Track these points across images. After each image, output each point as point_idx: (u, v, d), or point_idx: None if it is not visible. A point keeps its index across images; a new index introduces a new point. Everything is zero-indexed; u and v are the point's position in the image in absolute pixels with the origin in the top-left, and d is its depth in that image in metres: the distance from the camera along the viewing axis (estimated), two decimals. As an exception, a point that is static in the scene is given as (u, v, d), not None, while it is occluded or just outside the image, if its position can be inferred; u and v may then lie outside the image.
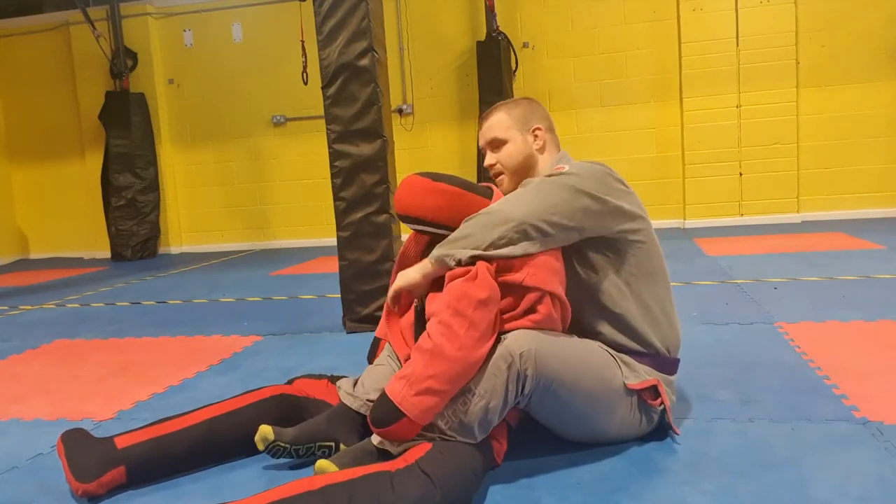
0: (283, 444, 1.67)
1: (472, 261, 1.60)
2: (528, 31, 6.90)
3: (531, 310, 1.60)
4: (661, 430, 1.84)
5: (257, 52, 7.36)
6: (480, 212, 1.67)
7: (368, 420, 1.57)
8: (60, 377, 2.83)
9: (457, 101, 7.09)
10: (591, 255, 1.73)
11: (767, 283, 3.76)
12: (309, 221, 7.47)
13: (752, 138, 6.48)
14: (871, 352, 2.44)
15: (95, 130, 7.47)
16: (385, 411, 1.52)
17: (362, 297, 3.22)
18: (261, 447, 1.67)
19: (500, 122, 1.93)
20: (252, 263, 6.33)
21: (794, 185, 6.49)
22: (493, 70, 6.62)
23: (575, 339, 1.70)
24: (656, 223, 4.24)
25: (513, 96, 6.73)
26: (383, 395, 1.53)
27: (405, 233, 2.11)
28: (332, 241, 3.42)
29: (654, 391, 1.75)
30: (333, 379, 1.92)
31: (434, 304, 1.62)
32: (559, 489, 1.58)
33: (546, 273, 1.61)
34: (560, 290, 1.64)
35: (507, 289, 1.59)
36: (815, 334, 2.70)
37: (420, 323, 1.74)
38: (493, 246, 1.60)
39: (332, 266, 3.64)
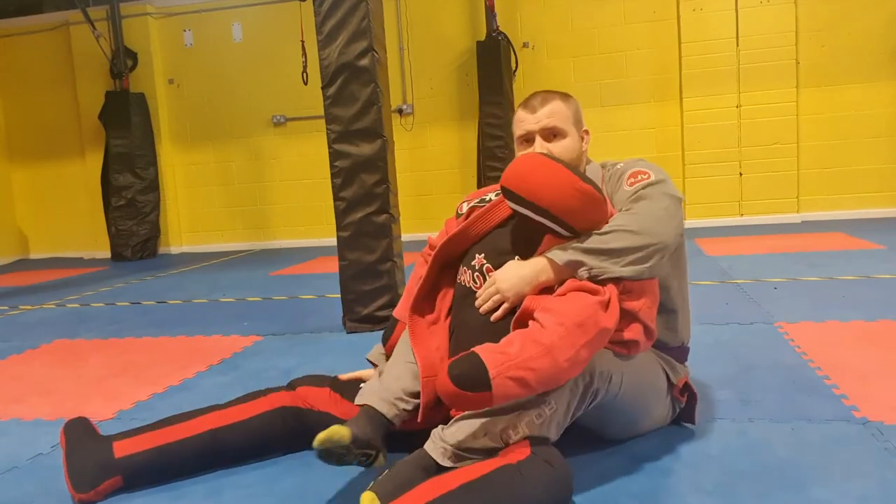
0: (355, 450, 1.49)
1: (601, 280, 1.53)
2: (528, 31, 6.90)
3: (631, 342, 1.59)
4: (661, 430, 1.85)
5: (257, 52, 7.36)
6: (621, 226, 1.57)
7: (447, 374, 1.39)
8: (60, 377, 2.83)
9: (457, 101, 7.09)
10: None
11: (767, 283, 3.76)
12: (309, 221, 7.47)
13: (752, 138, 6.48)
14: (871, 352, 2.44)
15: (95, 130, 7.47)
16: (475, 373, 1.38)
17: (362, 297, 3.22)
18: (326, 446, 1.44)
19: (560, 111, 1.78)
20: (252, 263, 6.33)
21: (794, 185, 6.49)
22: (493, 70, 6.62)
23: (640, 355, 1.67)
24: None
25: (513, 96, 6.74)
26: (477, 360, 1.39)
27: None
28: (332, 241, 3.42)
29: (683, 386, 1.82)
30: (335, 385, 1.83)
31: (549, 301, 1.51)
32: (559, 489, 1.58)
33: (654, 307, 1.63)
34: (654, 324, 1.65)
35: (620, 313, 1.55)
36: (815, 334, 2.70)
37: (462, 342, 1.61)
38: (630, 264, 1.54)
39: (332, 266, 3.64)
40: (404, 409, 1.64)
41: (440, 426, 1.53)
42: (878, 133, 6.38)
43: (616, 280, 1.54)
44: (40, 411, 2.39)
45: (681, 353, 1.89)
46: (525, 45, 6.90)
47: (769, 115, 6.43)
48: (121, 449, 1.66)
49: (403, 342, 1.76)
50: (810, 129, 6.46)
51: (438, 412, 1.62)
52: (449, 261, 1.78)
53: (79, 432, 1.71)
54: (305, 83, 4.46)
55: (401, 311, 1.87)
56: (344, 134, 3.17)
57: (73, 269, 6.71)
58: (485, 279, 1.65)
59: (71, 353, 3.23)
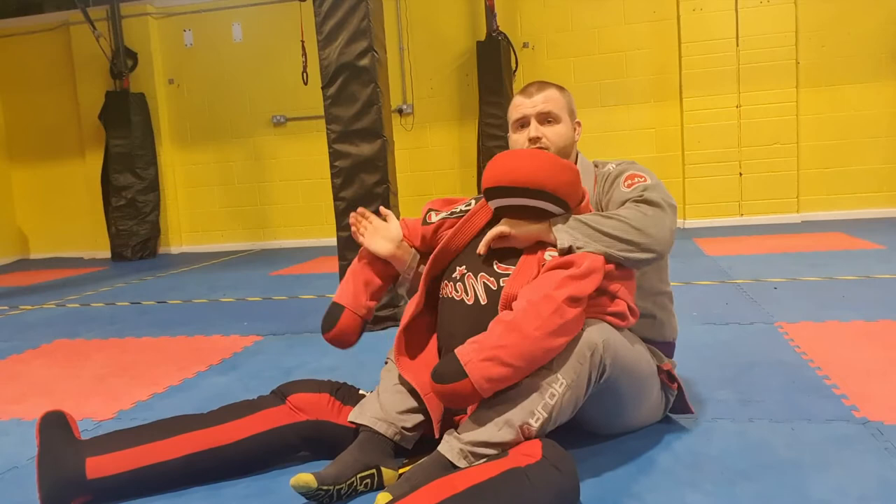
0: (325, 488, 1.51)
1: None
2: (528, 31, 6.90)
3: (619, 313, 1.63)
4: (660, 430, 1.85)
5: (257, 52, 7.36)
6: (625, 218, 1.63)
7: (430, 376, 1.50)
8: (60, 377, 2.83)
9: (457, 101, 7.09)
10: None
11: (767, 283, 3.76)
12: (309, 221, 7.47)
13: (752, 138, 6.48)
14: (871, 352, 2.44)
15: (95, 130, 7.47)
16: (450, 368, 1.46)
17: (362, 297, 3.21)
18: (299, 492, 1.51)
19: (556, 98, 1.86)
20: (252, 263, 6.33)
21: (793, 185, 6.49)
22: (493, 70, 6.62)
23: (630, 335, 1.72)
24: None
25: (513, 96, 6.72)
26: (452, 355, 1.48)
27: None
28: (332, 241, 3.42)
29: (668, 374, 1.83)
30: (334, 390, 1.79)
31: (524, 288, 1.56)
32: (559, 489, 1.58)
33: (633, 292, 1.68)
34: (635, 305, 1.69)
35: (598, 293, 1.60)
36: (815, 334, 2.70)
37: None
38: (620, 252, 1.60)
39: (332, 266, 3.64)
40: (403, 428, 1.67)
41: (452, 429, 1.55)
42: (878, 133, 6.38)
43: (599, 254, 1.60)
44: (40, 411, 2.36)
45: (666, 348, 1.92)
46: (525, 45, 6.89)
47: (769, 115, 6.43)
48: (93, 469, 1.58)
49: (388, 371, 1.79)
50: (810, 129, 6.46)
51: (452, 424, 1.65)
52: (434, 278, 1.83)
53: (54, 435, 1.62)
54: (305, 83, 4.47)
55: (345, 297, 1.86)
56: (344, 134, 3.17)
57: (73, 269, 6.71)
58: (466, 289, 1.70)
59: (71, 353, 3.23)
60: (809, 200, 6.52)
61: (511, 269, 1.65)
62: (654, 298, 1.89)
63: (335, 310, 1.85)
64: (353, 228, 1.93)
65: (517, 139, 1.88)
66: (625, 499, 1.52)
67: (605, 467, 1.66)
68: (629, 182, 1.75)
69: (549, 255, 1.64)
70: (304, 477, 1.50)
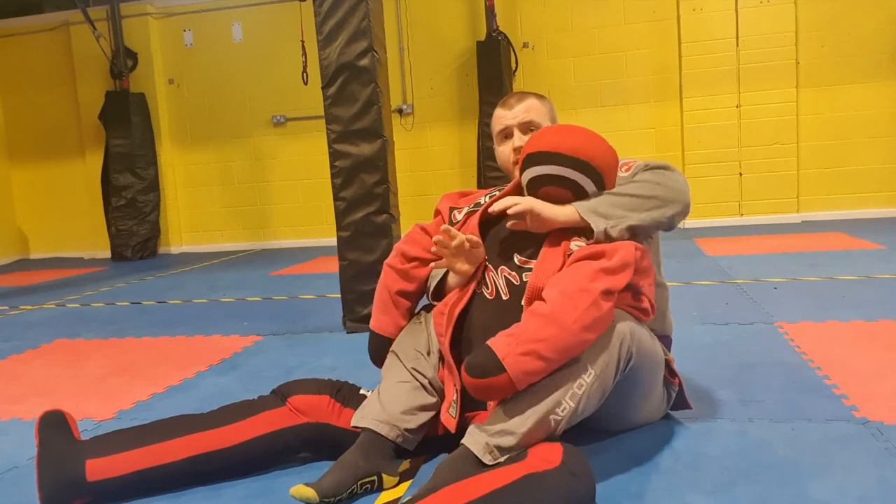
0: (326, 502, 1.50)
1: (618, 232, 1.61)
2: (528, 31, 6.90)
3: (643, 309, 1.65)
4: (660, 430, 1.85)
5: (257, 52, 7.36)
6: (643, 181, 1.68)
7: (463, 371, 1.46)
8: (60, 377, 2.83)
9: (457, 101, 7.09)
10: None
11: (767, 283, 3.76)
12: (309, 221, 7.47)
13: (752, 138, 6.48)
14: (871, 352, 2.44)
15: (95, 130, 7.47)
16: (487, 361, 1.43)
17: (362, 297, 3.21)
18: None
19: (537, 107, 1.89)
20: (252, 263, 6.33)
21: (794, 185, 6.49)
22: (493, 70, 6.62)
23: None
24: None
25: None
26: (486, 348, 1.45)
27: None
28: (332, 241, 3.42)
29: (669, 368, 1.83)
30: (335, 391, 1.78)
31: (554, 278, 1.55)
32: (559, 489, 1.58)
33: (654, 286, 1.68)
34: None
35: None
36: (815, 334, 2.70)
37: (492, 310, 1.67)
38: (650, 209, 1.64)
39: (332, 266, 3.64)
40: (406, 430, 1.65)
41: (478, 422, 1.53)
42: (878, 133, 6.38)
43: (632, 232, 1.61)
44: (40, 411, 2.37)
45: (665, 342, 1.92)
46: (525, 45, 6.89)
47: (769, 115, 6.43)
48: (93, 471, 1.58)
49: (390, 367, 1.78)
50: (810, 129, 6.45)
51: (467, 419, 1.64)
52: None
53: (53, 435, 1.61)
54: (305, 83, 4.46)
55: (380, 325, 1.88)
56: (344, 134, 3.17)
57: (73, 269, 6.71)
58: (486, 282, 1.72)
59: (71, 353, 3.23)
60: (809, 200, 6.52)
61: (532, 263, 1.64)
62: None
63: (383, 342, 1.86)
64: (439, 246, 1.75)
65: (502, 151, 1.91)
66: (625, 498, 1.52)
67: (604, 466, 1.66)
68: (625, 168, 1.79)
69: (576, 244, 1.63)
70: (306, 492, 1.49)
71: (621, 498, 1.52)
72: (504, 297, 1.66)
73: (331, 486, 1.52)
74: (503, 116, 1.89)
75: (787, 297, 3.38)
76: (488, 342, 1.47)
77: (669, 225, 1.70)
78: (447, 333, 1.69)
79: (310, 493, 1.48)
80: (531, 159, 1.69)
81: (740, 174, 6.54)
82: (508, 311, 1.62)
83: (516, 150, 1.84)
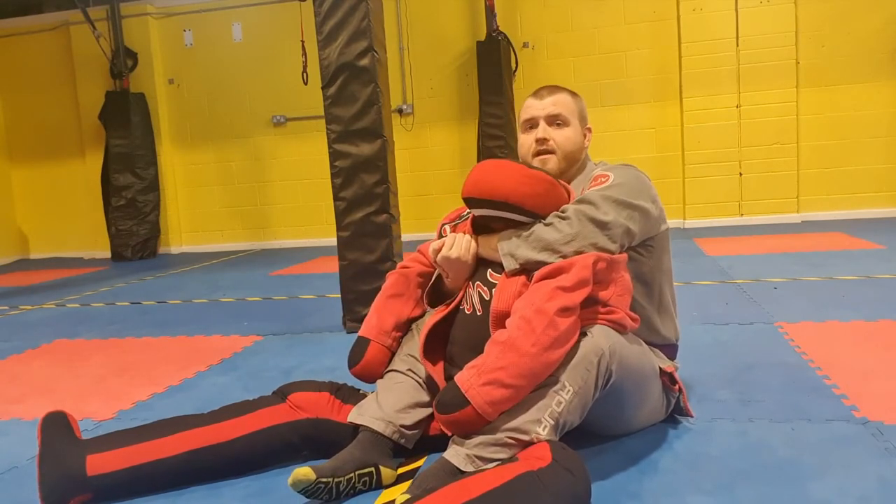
0: (324, 481, 1.51)
1: (535, 266, 1.60)
2: (528, 31, 6.90)
3: (617, 321, 1.62)
4: (660, 430, 1.85)
5: (257, 52, 7.36)
6: (553, 224, 1.64)
7: (434, 406, 1.51)
8: (60, 377, 2.83)
9: (457, 101, 7.09)
10: (631, 254, 1.76)
11: (767, 283, 3.76)
12: (309, 221, 7.47)
13: (752, 138, 6.48)
14: (871, 352, 2.44)
15: (95, 130, 7.47)
16: (452, 397, 1.47)
17: (362, 297, 3.21)
18: (298, 489, 1.49)
19: (567, 102, 1.88)
20: (252, 263, 6.33)
21: (793, 185, 6.49)
22: (493, 70, 6.62)
23: (631, 336, 1.71)
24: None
25: (513, 96, 6.74)
26: (452, 383, 1.49)
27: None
28: (332, 241, 3.42)
29: (670, 377, 1.83)
30: (335, 390, 1.80)
31: (517, 301, 1.56)
32: (559, 489, 1.57)
33: (627, 296, 1.66)
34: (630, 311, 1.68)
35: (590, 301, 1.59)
36: (815, 334, 2.70)
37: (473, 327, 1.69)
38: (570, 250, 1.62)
39: (332, 266, 3.64)
40: (403, 426, 1.67)
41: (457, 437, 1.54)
42: (878, 133, 6.38)
43: (537, 265, 1.61)
44: (40, 411, 2.37)
45: (670, 350, 1.91)
46: (525, 45, 6.89)
47: (769, 115, 6.43)
48: (94, 466, 1.59)
49: (387, 373, 1.81)
50: (810, 129, 6.45)
51: None
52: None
53: (55, 434, 1.63)
54: (305, 83, 4.46)
55: (370, 330, 1.86)
56: (344, 134, 3.17)
57: (73, 269, 6.71)
58: (466, 298, 1.75)
59: (71, 353, 3.23)
60: (809, 200, 6.52)
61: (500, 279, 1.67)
62: (659, 299, 1.88)
63: (361, 343, 1.85)
64: (446, 245, 1.78)
65: (525, 140, 1.90)
66: (625, 498, 1.52)
67: (605, 467, 1.66)
68: (594, 183, 1.76)
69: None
70: (302, 470, 1.49)
71: (621, 498, 1.52)
72: (479, 313, 1.68)
73: (328, 467, 1.54)
74: (531, 106, 1.89)
75: (787, 297, 3.38)
76: (455, 377, 1.51)
77: (608, 249, 1.65)
78: (420, 346, 1.75)
79: (306, 470, 1.49)
80: (466, 203, 1.75)
81: (740, 174, 6.54)
82: (483, 327, 1.64)
83: (538, 140, 1.85)
